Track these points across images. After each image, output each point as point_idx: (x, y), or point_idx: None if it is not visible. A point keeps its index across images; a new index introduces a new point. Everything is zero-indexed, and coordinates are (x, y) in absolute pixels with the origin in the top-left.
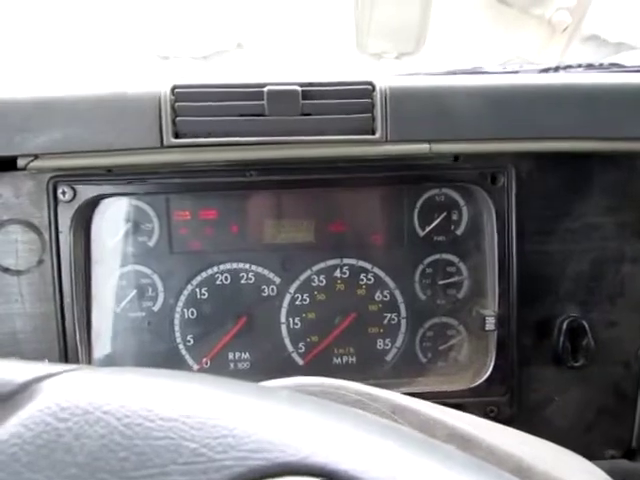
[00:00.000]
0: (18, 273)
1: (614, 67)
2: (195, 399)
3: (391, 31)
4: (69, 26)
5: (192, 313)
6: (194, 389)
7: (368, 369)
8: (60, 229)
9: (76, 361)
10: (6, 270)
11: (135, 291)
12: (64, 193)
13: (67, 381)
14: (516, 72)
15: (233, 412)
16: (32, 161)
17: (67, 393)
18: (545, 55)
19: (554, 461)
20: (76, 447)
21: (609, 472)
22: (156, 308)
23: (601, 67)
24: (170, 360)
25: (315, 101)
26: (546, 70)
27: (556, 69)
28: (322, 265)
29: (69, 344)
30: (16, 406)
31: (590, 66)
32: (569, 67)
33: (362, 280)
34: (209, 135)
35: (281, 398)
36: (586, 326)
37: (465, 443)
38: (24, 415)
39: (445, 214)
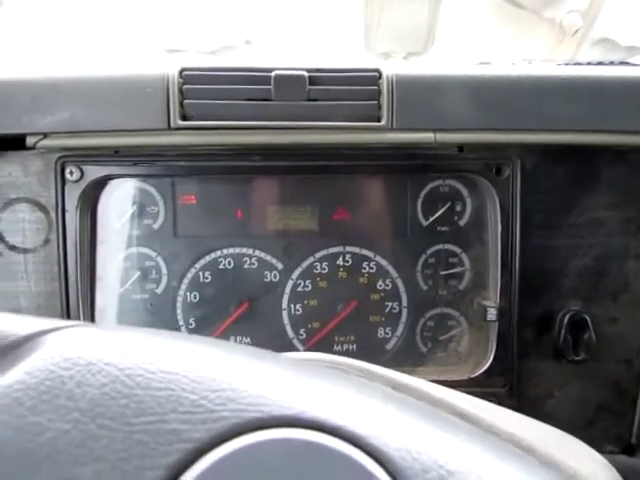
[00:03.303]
0: (24, 251)
1: (624, 64)
2: (196, 355)
3: (400, 31)
4: (76, 17)
5: (194, 296)
6: (195, 347)
7: (368, 357)
8: (67, 209)
9: None
10: (13, 248)
11: (139, 273)
12: (72, 173)
13: (72, 335)
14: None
15: (232, 369)
16: (41, 140)
17: (71, 345)
18: (555, 59)
19: (555, 443)
20: (78, 394)
21: None
22: (159, 290)
23: (611, 64)
24: None
25: (322, 87)
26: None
27: (566, 65)
28: (325, 252)
29: None
30: (21, 356)
31: (600, 63)
32: (578, 64)
33: (364, 268)
34: (216, 118)
35: (280, 360)
36: (588, 320)
37: (468, 420)
38: (28, 364)
39: (449, 205)
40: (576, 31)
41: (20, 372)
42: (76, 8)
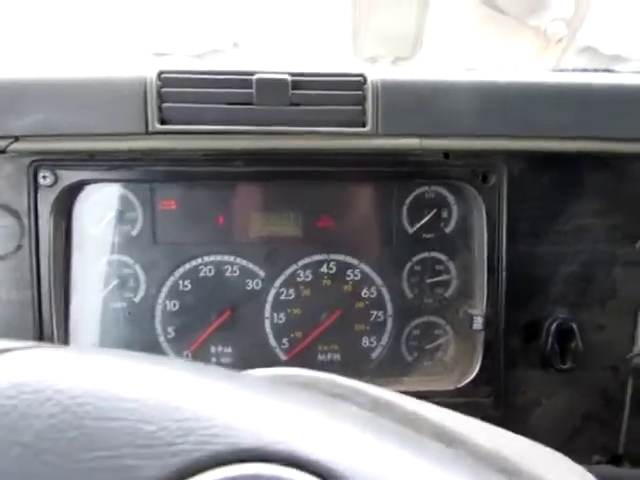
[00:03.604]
0: None
1: (608, 71)
2: (157, 380)
3: (388, 35)
4: (60, 18)
5: (174, 305)
6: (158, 370)
7: (353, 367)
8: (40, 214)
9: None
10: None
11: (116, 281)
12: (45, 177)
13: (19, 358)
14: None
15: (196, 394)
16: (12, 143)
17: (17, 370)
18: (540, 66)
19: (542, 462)
20: (22, 426)
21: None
22: (137, 299)
23: (595, 71)
24: (149, 353)
25: (305, 91)
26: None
27: (551, 71)
28: (308, 260)
29: (45, 333)
30: None
31: (585, 70)
32: (564, 70)
33: (349, 276)
34: (195, 122)
35: (249, 384)
36: (575, 329)
37: (450, 440)
38: None
39: (435, 212)
40: (560, 39)
41: None
42: (60, 11)
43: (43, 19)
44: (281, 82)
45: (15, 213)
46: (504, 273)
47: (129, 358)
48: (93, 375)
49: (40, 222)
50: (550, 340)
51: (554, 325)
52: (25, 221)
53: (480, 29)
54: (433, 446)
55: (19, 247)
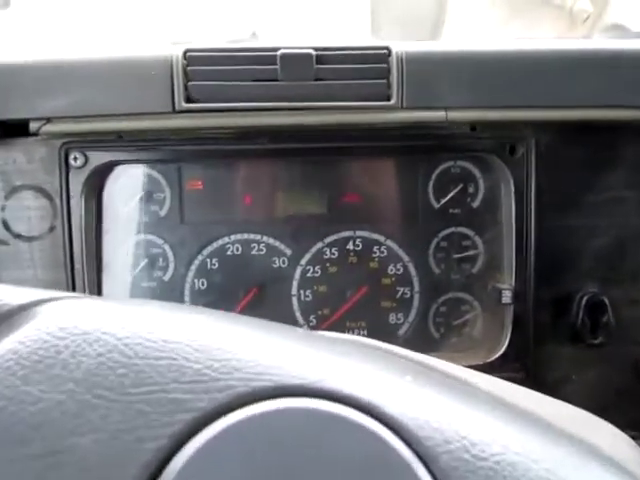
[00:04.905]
0: (30, 239)
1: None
2: (199, 325)
3: (407, 19)
4: (81, 13)
5: (202, 283)
6: (199, 317)
7: None
8: (71, 195)
9: None
10: (18, 236)
11: (146, 260)
12: (75, 159)
13: (68, 305)
14: None
15: (238, 338)
16: (44, 125)
17: (66, 315)
18: None
19: (578, 422)
20: (73, 364)
21: None
22: (166, 278)
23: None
24: None
25: (329, 66)
26: None
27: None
28: (334, 237)
29: None
30: (14, 325)
31: None
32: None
33: (375, 253)
34: (221, 100)
35: (289, 331)
36: (606, 302)
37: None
38: (21, 333)
39: (461, 186)
40: (587, 17)
41: (12, 341)
42: (80, 3)
43: (63, 14)
44: (305, 57)
45: (48, 195)
46: (533, 246)
47: (170, 307)
48: (137, 319)
49: (72, 203)
50: (581, 314)
51: (585, 299)
52: (57, 202)
53: (502, 11)
54: (469, 390)
55: (52, 228)
